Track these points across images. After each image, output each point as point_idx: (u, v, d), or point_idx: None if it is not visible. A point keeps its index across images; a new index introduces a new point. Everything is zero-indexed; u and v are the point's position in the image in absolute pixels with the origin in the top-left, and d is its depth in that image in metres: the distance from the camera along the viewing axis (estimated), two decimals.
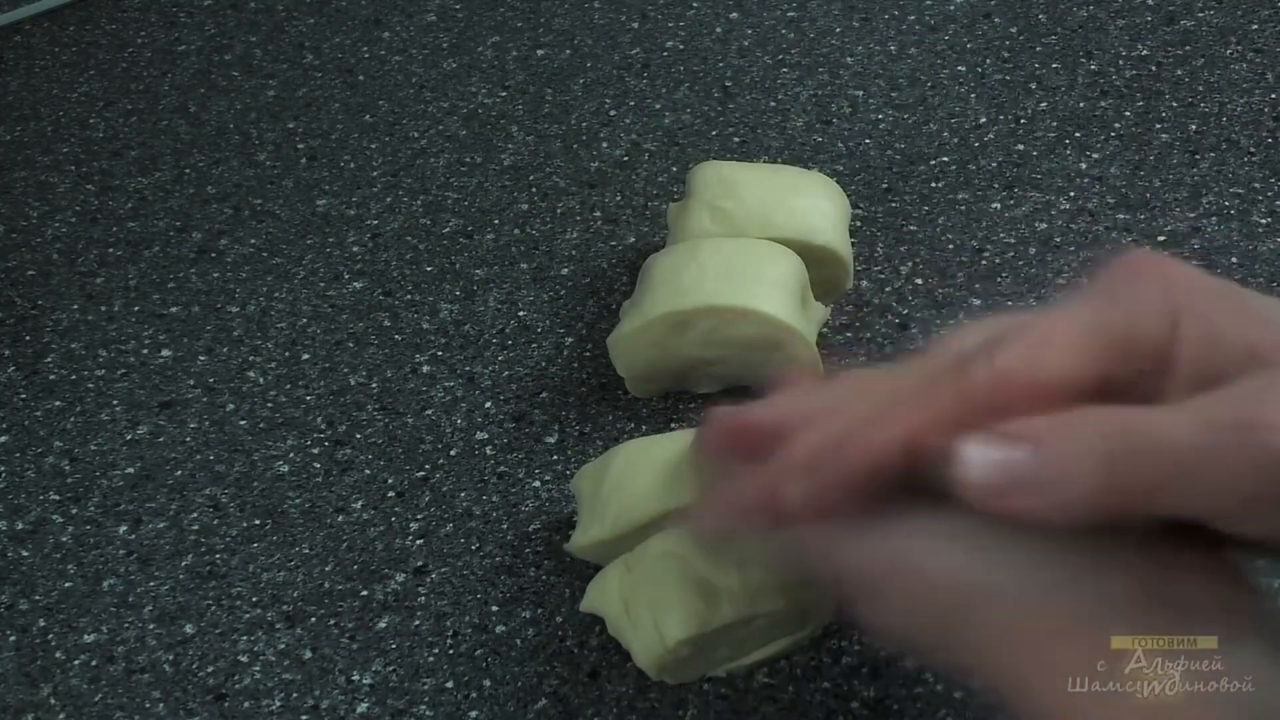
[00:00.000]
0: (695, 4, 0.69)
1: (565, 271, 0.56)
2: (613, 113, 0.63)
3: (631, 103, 0.64)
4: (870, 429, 0.28)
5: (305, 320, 0.55)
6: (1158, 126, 0.59)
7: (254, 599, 0.45)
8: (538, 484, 0.48)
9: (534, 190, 0.60)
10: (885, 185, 0.57)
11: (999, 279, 0.53)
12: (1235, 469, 0.24)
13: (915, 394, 0.28)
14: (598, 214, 0.58)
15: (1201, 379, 0.26)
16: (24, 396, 0.53)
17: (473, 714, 0.41)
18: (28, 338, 0.56)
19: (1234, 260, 0.52)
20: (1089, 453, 0.25)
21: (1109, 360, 0.27)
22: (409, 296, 0.56)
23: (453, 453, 0.49)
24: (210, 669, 0.43)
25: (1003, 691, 0.29)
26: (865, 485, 0.29)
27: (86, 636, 0.45)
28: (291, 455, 0.50)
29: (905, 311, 0.52)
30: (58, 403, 0.53)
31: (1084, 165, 0.57)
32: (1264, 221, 0.54)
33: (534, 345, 0.53)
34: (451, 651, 0.43)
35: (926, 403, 0.28)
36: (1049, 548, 0.27)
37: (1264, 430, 0.23)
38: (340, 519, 0.47)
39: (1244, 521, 0.24)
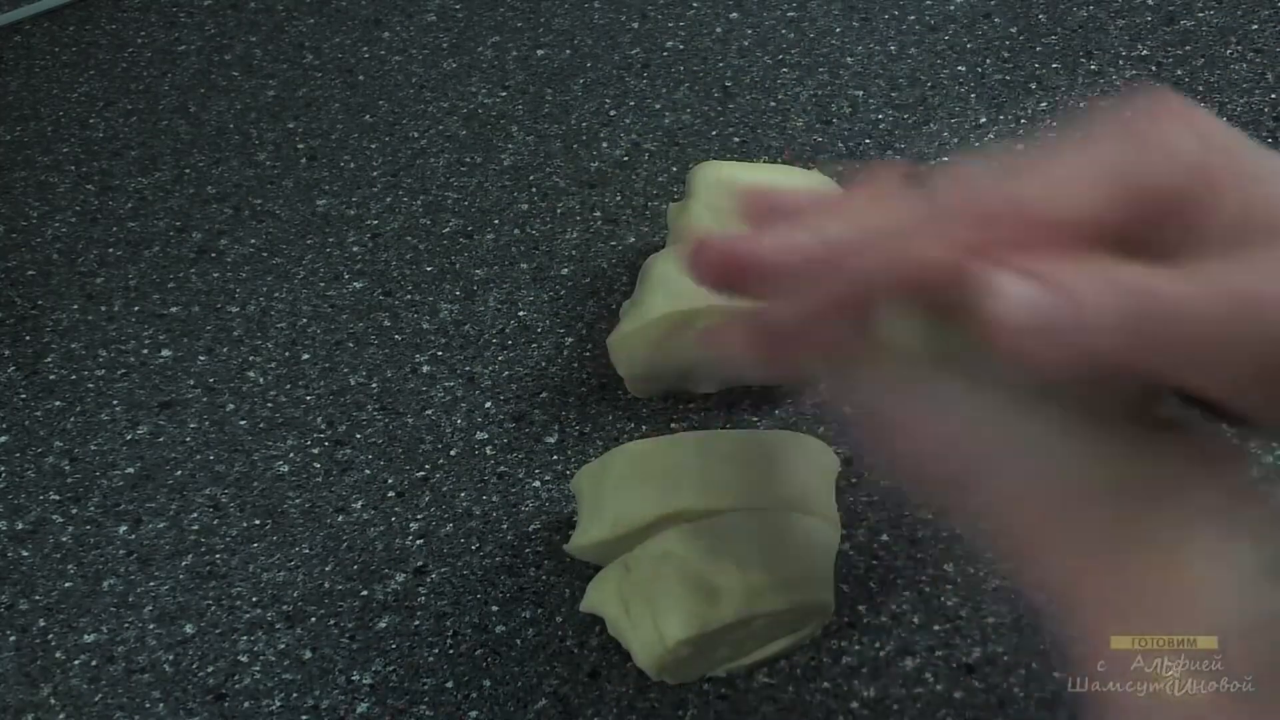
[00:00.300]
0: (695, 4, 0.69)
1: (565, 271, 0.56)
2: (613, 113, 0.63)
3: (631, 103, 0.64)
4: (888, 248, 0.27)
5: (305, 320, 0.55)
6: None
7: (254, 599, 0.45)
8: (538, 484, 0.48)
9: (534, 190, 0.60)
10: None
11: None
12: (1251, 345, 0.23)
13: (929, 220, 0.27)
14: (598, 214, 0.58)
15: (1226, 242, 0.25)
16: (24, 396, 0.53)
17: (473, 714, 0.41)
18: (28, 338, 0.56)
19: None
20: (1116, 309, 0.24)
21: (1131, 208, 0.26)
22: (409, 296, 0.56)
23: (453, 453, 0.49)
24: (210, 669, 0.43)
25: (1010, 558, 0.28)
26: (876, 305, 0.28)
27: (86, 636, 0.45)
28: (291, 455, 0.50)
29: None
30: (58, 403, 0.53)
31: None
32: None
33: (534, 345, 0.53)
34: (451, 651, 0.43)
35: (943, 229, 0.26)
36: (1064, 415, 0.27)
37: (1266, 303, 0.23)
38: (340, 519, 0.47)
39: (1251, 399, 0.24)
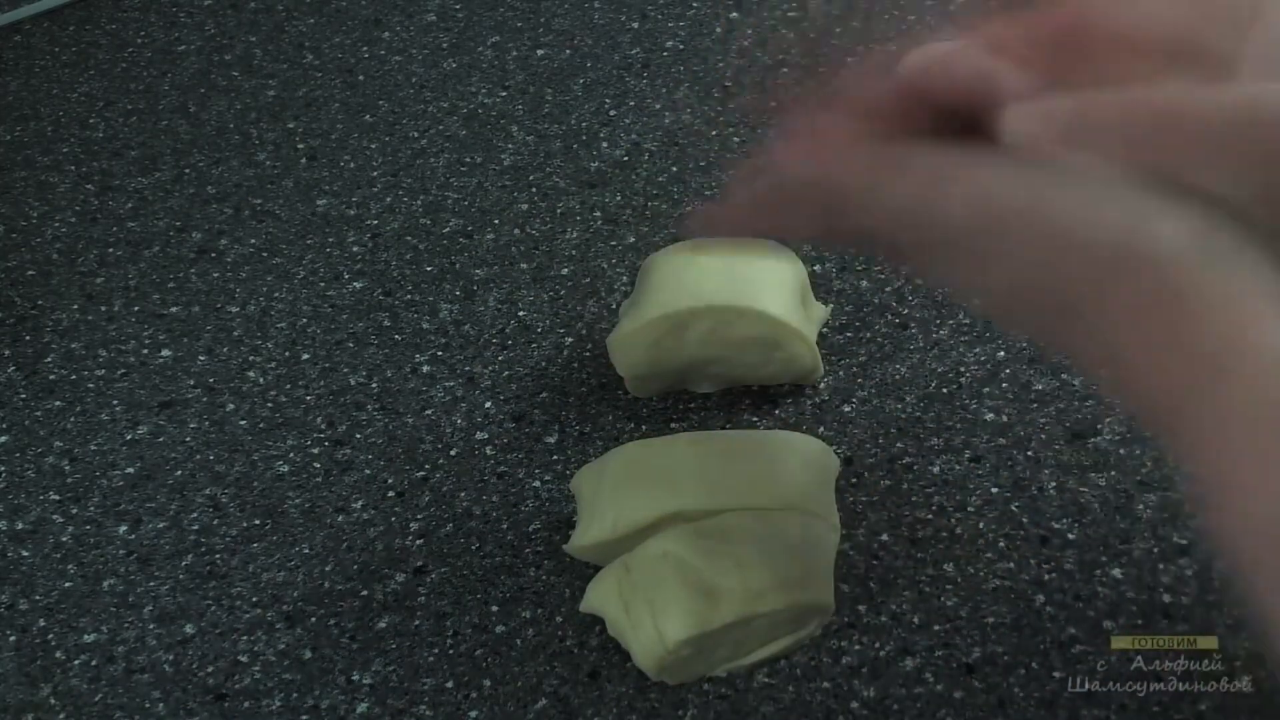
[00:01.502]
0: (695, 4, 0.69)
1: (565, 271, 0.56)
2: (613, 113, 0.63)
3: (631, 103, 0.64)
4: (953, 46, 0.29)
5: (305, 320, 0.55)
6: None
7: (254, 599, 0.45)
8: (538, 484, 0.48)
9: (534, 190, 0.60)
10: None
11: None
12: (1259, 154, 0.24)
13: (995, 21, 0.28)
14: (598, 214, 0.58)
15: (1264, 64, 0.26)
16: (24, 396, 0.53)
17: (473, 714, 0.41)
18: (28, 338, 0.56)
19: None
20: (1129, 110, 0.26)
21: (1186, 28, 0.27)
22: (409, 296, 0.56)
23: (453, 453, 0.49)
24: (210, 669, 0.43)
25: (1125, 394, 0.27)
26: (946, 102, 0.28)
27: (86, 636, 0.45)
28: (291, 455, 0.50)
29: (905, 311, 0.52)
30: (58, 403, 0.53)
31: None
32: None
33: (534, 345, 0.53)
34: (451, 651, 0.43)
35: (1006, 24, 0.28)
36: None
37: None
38: (340, 519, 0.47)
39: (1247, 196, 0.25)
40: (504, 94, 0.65)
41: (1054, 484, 0.45)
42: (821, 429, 0.48)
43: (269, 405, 0.52)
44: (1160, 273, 0.25)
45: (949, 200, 0.28)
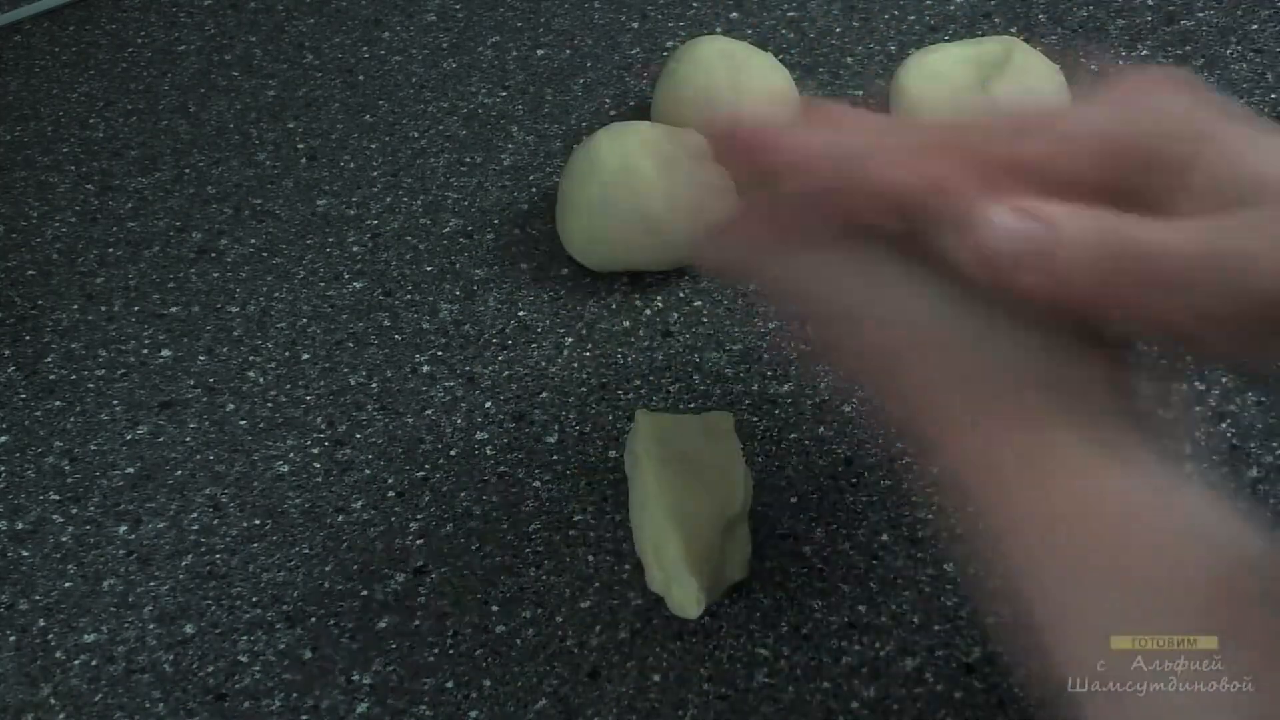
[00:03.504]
0: (695, 4, 0.69)
1: (565, 271, 0.56)
2: (613, 113, 0.63)
3: (631, 103, 0.64)
4: (896, 161, 0.30)
5: (305, 320, 0.55)
6: None
7: (254, 599, 0.45)
8: (538, 484, 0.48)
9: (534, 190, 0.60)
10: None
11: None
12: (1221, 292, 0.26)
13: (936, 149, 0.29)
14: None
15: (1212, 202, 0.27)
16: (24, 396, 0.53)
17: (473, 714, 0.41)
18: (28, 338, 0.56)
19: None
20: (1099, 245, 0.26)
21: (1124, 170, 0.28)
22: (409, 296, 0.56)
23: (453, 453, 0.49)
24: (210, 669, 0.43)
25: (918, 441, 0.31)
26: (873, 215, 0.30)
27: (86, 636, 0.45)
28: (291, 455, 0.50)
29: None
30: (58, 403, 0.53)
31: None
32: None
33: (534, 345, 0.53)
34: (451, 651, 0.43)
35: (948, 161, 0.29)
36: (1006, 322, 0.29)
37: (1251, 261, 0.25)
38: (340, 519, 0.47)
39: (1209, 340, 0.27)
40: (504, 94, 0.65)
41: None
42: (821, 429, 0.48)
43: (269, 405, 0.52)
44: (1031, 417, 0.28)
45: (867, 327, 0.31)
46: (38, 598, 0.46)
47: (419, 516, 0.47)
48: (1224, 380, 0.48)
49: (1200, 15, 0.64)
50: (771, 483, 0.46)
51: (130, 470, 0.50)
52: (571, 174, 0.54)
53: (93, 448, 0.51)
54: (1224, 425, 0.46)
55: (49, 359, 0.55)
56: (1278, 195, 0.26)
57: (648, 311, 0.53)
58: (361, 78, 0.68)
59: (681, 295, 0.54)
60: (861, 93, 0.62)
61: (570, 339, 0.53)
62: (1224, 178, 0.27)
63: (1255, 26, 0.63)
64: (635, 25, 0.68)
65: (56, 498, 0.49)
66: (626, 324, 0.53)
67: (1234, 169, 0.27)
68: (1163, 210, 0.28)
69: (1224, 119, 0.28)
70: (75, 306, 0.57)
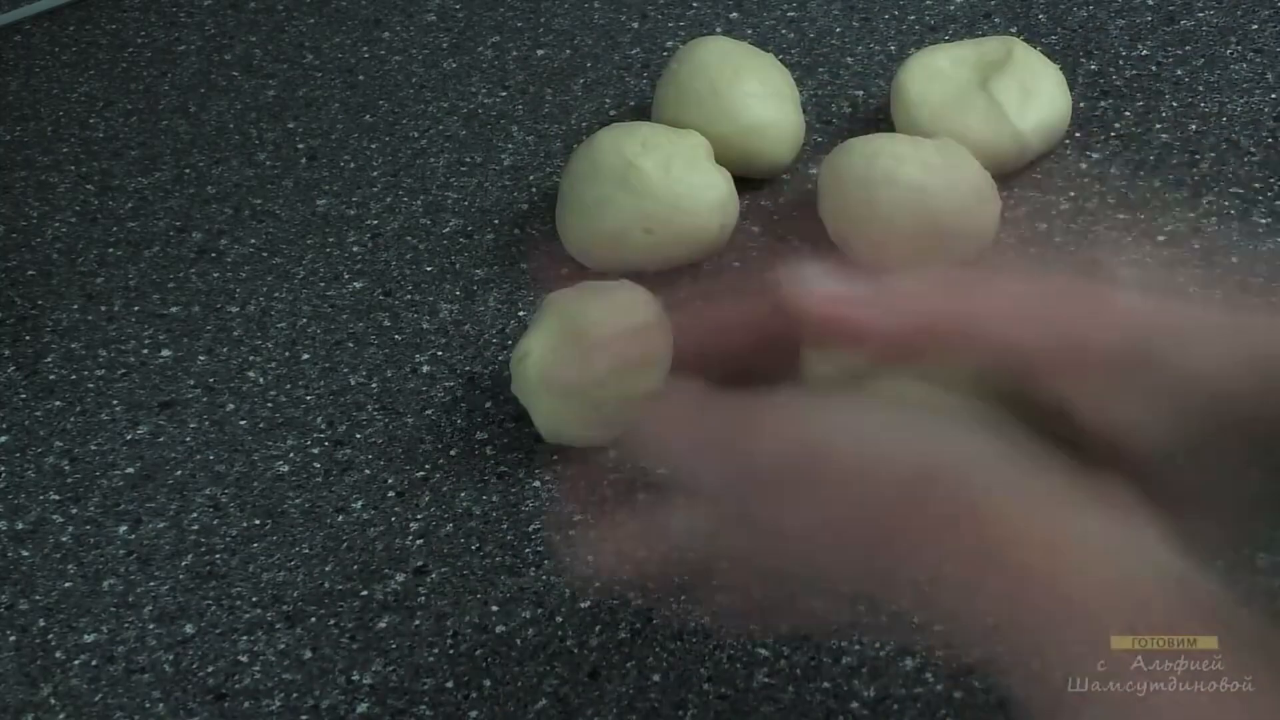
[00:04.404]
0: (695, 4, 0.69)
1: (565, 271, 0.56)
2: (613, 113, 0.63)
3: (631, 103, 0.64)
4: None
5: (305, 320, 0.55)
6: (1158, 126, 0.59)
7: (254, 599, 0.45)
8: (538, 484, 0.48)
9: (534, 190, 0.60)
10: None
11: None
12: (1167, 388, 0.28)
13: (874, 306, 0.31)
14: None
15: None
16: (24, 396, 0.53)
17: (473, 714, 0.41)
18: (28, 338, 0.56)
19: (1234, 260, 0.52)
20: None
21: (1054, 354, 0.30)
22: (409, 296, 0.56)
23: (453, 453, 0.49)
24: (210, 669, 0.43)
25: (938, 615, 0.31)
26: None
27: (86, 636, 0.45)
28: (291, 455, 0.50)
29: None
30: (58, 403, 0.53)
31: (1084, 165, 0.57)
32: (1264, 221, 0.54)
33: None
34: (451, 651, 0.43)
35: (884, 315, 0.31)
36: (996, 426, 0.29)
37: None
38: (340, 519, 0.47)
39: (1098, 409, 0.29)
40: (504, 94, 0.65)
41: None
42: None
43: (269, 405, 0.52)
44: (956, 490, 0.28)
45: (757, 437, 0.29)
46: (38, 598, 0.46)
47: (419, 516, 0.47)
48: None
49: (1200, 15, 0.64)
50: None
51: (130, 470, 0.50)
52: (571, 174, 0.54)
53: (93, 448, 0.51)
54: None
55: (49, 359, 0.55)
56: None
57: None
58: (361, 78, 0.68)
59: (681, 295, 0.54)
60: (862, 93, 0.62)
61: None
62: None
63: (1255, 26, 0.63)
64: (635, 25, 0.68)
65: (56, 498, 0.49)
66: None
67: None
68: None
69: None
70: (75, 306, 0.57)
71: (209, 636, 0.44)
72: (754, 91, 0.56)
